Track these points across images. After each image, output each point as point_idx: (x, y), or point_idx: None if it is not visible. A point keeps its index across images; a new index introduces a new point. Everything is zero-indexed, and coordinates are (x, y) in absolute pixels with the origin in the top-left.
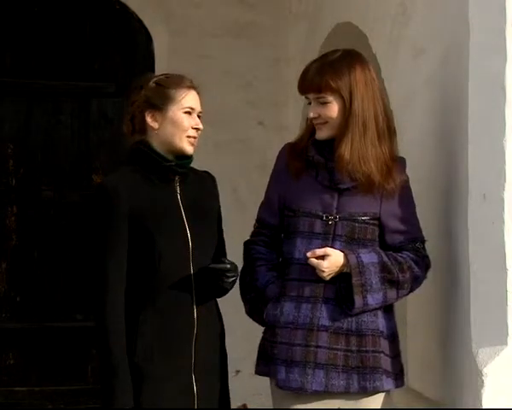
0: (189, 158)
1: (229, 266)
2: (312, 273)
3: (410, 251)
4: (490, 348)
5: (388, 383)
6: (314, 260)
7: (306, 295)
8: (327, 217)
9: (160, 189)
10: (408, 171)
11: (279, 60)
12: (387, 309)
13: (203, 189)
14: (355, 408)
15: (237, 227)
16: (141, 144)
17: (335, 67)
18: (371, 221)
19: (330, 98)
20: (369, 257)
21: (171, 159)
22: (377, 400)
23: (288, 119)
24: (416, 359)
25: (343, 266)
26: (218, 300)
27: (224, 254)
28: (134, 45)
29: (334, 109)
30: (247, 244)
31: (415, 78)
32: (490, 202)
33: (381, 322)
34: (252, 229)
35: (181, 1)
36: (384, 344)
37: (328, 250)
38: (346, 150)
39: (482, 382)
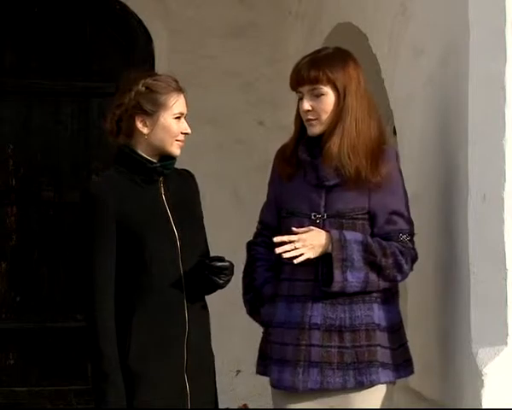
0: (172, 158)
1: (227, 264)
2: (303, 272)
3: (396, 242)
4: (490, 348)
5: (387, 375)
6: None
7: (297, 295)
8: (315, 215)
9: (145, 190)
10: (408, 170)
11: (279, 60)
12: (387, 300)
13: (185, 187)
14: (353, 408)
15: (237, 227)
16: (126, 148)
17: (331, 59)
18: (360, 216)
19: (325, 90)
20: (352, 235)
21: (155, 161)
22: (376, 393)
23: (288, 119)
24: (415, 359)
25: (326, 244)
26: (219, 300)
27: (208, 251)
28: (134, 45)
29: (328, 102)
30: (248, 245)
31: (415, 78)
32: (490, 202)
33: (376, 315)
34: (252, 228)
35: (181, 1)
36: (381, 337)
37: (312, 228)
38: (335, 144)
39: (482, 382)
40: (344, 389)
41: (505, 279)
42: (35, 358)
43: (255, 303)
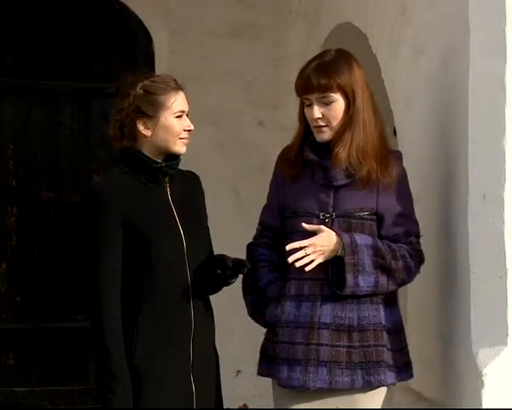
0: (177, 158)
1: (249, 266)
2: (311, 272)
3: (405, 244)
4: (490, 349)
5: (391, 376)
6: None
7: (306, 294)
8: (323, 215)
9: (151, 190)
10: (408, 171)
11: (279, 60)
12: (390, 302)
13: (190, 188)
14: (356, 408)
15: (237, 227)
16: (131, 149)
17: (337, 64)
18: (368, 216)
19: (335, 97)
20: (363, 239)
21: (160, 161)
22: (380, 394)
23: (288, 119)
24: (415, 359)
25: (336, 248)
26: (219, 300)
27: (212, 252)
28: (134, 46)
29: (338, 108)
30: (249, 247)
31: (415, 78)
32: (490, 202)
33: (383, 316)
34: (252, 228)
35: (181, 1)
36: (386, 338)
37: (322, 227)
38: (344, 149)
39: (482, 382)
40: (351, 388)
41: (505, 279)
42: (35, 358)
43: (259, 304)
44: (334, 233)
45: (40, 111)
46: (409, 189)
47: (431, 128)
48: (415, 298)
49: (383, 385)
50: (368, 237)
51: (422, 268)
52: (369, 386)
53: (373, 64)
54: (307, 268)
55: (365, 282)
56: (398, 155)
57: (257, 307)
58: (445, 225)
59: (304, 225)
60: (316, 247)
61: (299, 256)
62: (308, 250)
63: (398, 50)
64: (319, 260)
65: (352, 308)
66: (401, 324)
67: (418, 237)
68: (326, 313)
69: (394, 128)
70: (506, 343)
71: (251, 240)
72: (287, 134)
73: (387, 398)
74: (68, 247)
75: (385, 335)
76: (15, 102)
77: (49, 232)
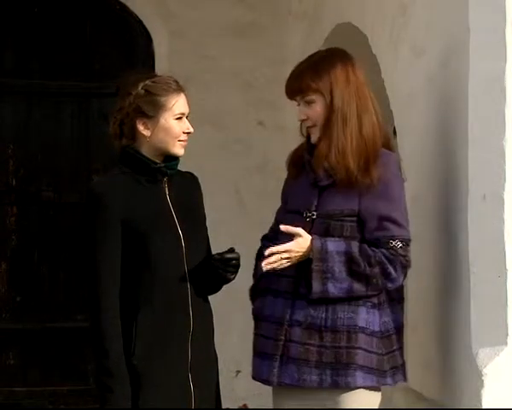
0: (176, 159)
1: (236, 255)
2: (288, 269)
3: (385, 249)
4: (490, 348)
5: (366, 379)
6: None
7: (282, 290)
8: (306, 214)
9: (150, 190)
10: (408, 171)
11: (279, 60)
12: (379, 306)
13: (189, 188)
14: (345, 408)
15: (237, 227)
16: (130, 149)
17: (316, 67)
18: (348, 218)
19: (313, 97)
20: (335, 245)
21: (159, 161)
22: (355, 396)
23: (288, 119)
24: (416, 359)
25: (307, 252)
26: (218, 300)
27: (210, 252)
28: (134, 46)
29: (317, 109)
30: (261, 239)
31: (415, 78)
32: (490, 202)
33: (362, 318)
34: (252, 228)
35: (181, 1)
36: (366, 340)
37: (301, 231)
38: (323, 147)
39: (482, 382)
40: (321, 387)
41: (505, 279)
42: (35, 358)
43: (253, 295)
44: (309, 238)
45: (40, 111)
46: (397, 192)
47: (431, 128)
48: (415, 298)
49: (350, 387)
50: (342, 242)
51: (422, 268)
52: (335, 386)
53: (373, 64)
54: (265, 268)
55: (336, 288)
56: (388, 158)
57: (253, 298)
58: (445, 225)
59: (281, 227)
60: (291, 253)
61: (273, 261)
62: (284, 255)
63: (398, 50)
64: (287, 264)
65: (326, 309)
66: (394, 327)
67: (404, 241)
68: (299, 310)
69: (394, 128)
70: (506, 343)
71: (251, 240)
72: (287, 134)
73: (371, 402)
74: (68, 247)
75: (363, 337)
76: (15, 102)
77: (49, 232)
